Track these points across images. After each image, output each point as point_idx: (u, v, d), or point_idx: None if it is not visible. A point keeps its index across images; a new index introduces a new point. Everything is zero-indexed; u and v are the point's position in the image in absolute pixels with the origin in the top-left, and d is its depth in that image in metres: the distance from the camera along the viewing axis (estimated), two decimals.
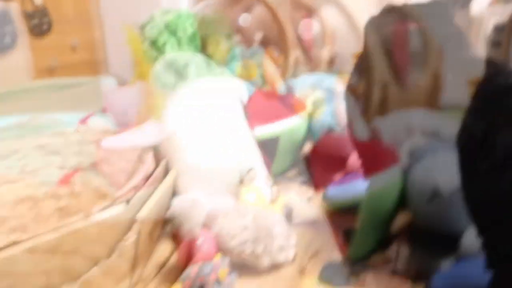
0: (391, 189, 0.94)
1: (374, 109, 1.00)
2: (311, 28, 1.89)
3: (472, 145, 0.66)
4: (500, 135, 0.61)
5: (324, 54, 1.83)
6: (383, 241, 0.98)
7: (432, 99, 0.96)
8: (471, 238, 0.82)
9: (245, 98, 1.30)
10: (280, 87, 1.63)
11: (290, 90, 1.62)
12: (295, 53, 1.76)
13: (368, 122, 1.02)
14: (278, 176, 1.39)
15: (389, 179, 0.95)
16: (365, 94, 1.02)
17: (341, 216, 1.16)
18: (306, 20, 1.92)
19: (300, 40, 1.84)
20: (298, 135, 1.43)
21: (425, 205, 0.89)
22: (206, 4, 1.85)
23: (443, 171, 0.88)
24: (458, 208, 0.78)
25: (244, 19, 1.80)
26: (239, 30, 1.78)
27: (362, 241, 0.99)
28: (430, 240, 0.91)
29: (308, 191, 1.34)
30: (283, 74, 1.72)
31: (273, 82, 1.63)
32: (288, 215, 1.14)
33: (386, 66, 1.01)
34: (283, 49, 1.74)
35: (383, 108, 1.00)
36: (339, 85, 1.47)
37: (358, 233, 0.99)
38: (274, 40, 1.75)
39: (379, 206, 0.95)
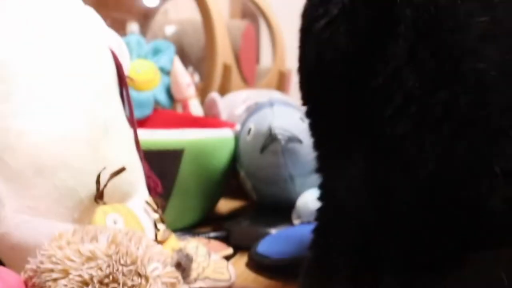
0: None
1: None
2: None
3: (311, 3, 0.61)
4: None
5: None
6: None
7: None
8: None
9: (125, 62, 0.77)
10: (195, 106, 1.14)
11: (213, 109, 1.14)
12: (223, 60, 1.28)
13: None
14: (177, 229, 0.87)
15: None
16: None
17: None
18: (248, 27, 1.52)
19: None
20: (219, 155, 0.92)
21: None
22: None
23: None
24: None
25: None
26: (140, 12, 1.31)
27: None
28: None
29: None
30: (206, 88, 1.24)
31: (184, 99, 1.14)
32: (183, 267, 0.59)
33: None
34: (209, 55, 1.26)
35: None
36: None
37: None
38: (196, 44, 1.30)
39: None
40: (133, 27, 1.38)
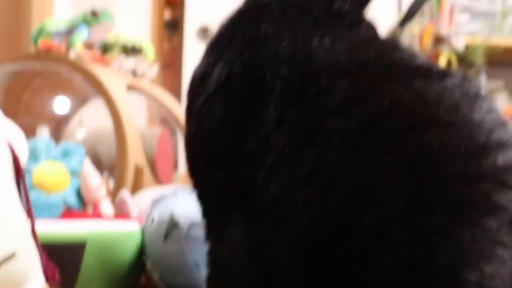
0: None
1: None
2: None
3: (193, 84, 0.67)
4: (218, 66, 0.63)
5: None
6: None
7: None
8: None
9: (23, 154, 0.77)
10: (106, 206, 1.13)
11: (123, 208, 1.13)
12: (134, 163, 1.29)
13: None
14: None
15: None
16: None
17: None
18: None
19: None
20: (124, 249, 0.90)
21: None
22: None
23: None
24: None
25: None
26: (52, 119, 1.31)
27: None
28: None
29: None
30: (117, 190, 1.23)
31: (95, 200, 1.13)
32: None
33: None
34: (120, 158, 1.27)
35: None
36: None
37: None
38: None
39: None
40: (42, 130, 1.38)
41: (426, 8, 2.11)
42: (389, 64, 0.56)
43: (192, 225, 0.85)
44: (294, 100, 0.56)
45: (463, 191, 0.46)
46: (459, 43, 1.93)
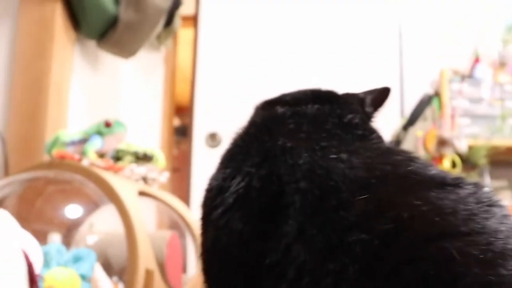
0: None
1: None
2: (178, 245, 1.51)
3: (210, 195, 0.68)
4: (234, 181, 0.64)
5: None
6: None
7: None
8: None
9: (37, 261, 0.79)
10: None
11: None
12: (145, 266, 1.30)
13: None
14: None
15: None
16: None
17: None
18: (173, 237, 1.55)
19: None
20: None
21: None
22: None
23: None
24: None
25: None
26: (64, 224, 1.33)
27: None
28: None
29: None
30: None
31: None
32: None
33: None
34: (131, 261, 1.28)
35: None
36: None
37: None
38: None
39: None
40: (54, 237, 1.40)
41: (428, 112, 2.18)
42: (405, 176, 0.57)
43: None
44: (314, 213, 0.57)
45: None
46: (462, 145, 1.97)
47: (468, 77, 2.14)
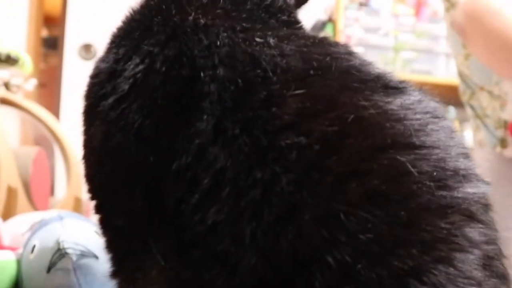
0: None
1: None
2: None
3: (96, 81, 0.55)
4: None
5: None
6: None
7: None
8: None
9: None
10: None
11: None
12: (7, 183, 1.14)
13: None
14: None
15: None
16: None
17: None
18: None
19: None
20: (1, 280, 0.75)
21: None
22: None
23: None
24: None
25: None
26: None
27: None
28: None
29: None
30: None
31: None
32: None
33: None
34: None
35: None
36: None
37: None
38: None
39: None
40: None
41: None
42: (347, 71, 0.48)
43: (82, 254, 0.71)
44: (237, 108, 0.46)
45: (436, 225, 0.41)
46: None
47: (365, 5, 2.10)
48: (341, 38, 2.01)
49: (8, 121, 1.51)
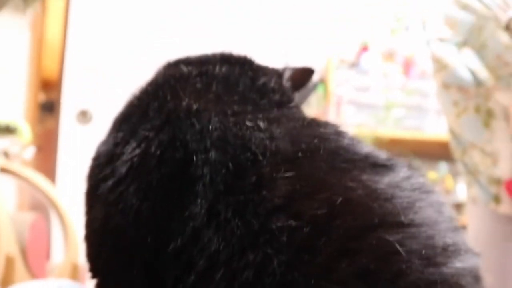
0: None
1: None
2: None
3: (97, 164, 0.56)
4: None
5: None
6: None
7: None
8: None
9: None
10: None
11: None
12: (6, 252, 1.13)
13: None
14: None
15: None
16: None
17: None
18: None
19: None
20: None
21: None
22: None
23: None
24: None
25: None
26: None
27: None
28: None
29: None
30: None
31: None
32: None
33: None
34: None
35: None
36: None
37: None
38: None
39: None
40: None
41: (313, 99, 2.15)
42: (335, 152, 0.49)
43: None
44: (228, 192, 0.47)
45: None
46: None
47: (355, 65, 2.13)
48: (332, 98, 2.05)
49: (6, 188, 1.52)
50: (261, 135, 0.49)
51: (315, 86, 2.18)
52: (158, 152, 0.51)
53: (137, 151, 0.52)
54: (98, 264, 0.56)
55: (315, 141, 0.49)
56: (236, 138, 0.49)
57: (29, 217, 1.50)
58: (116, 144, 0.55)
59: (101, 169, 0.55)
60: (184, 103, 0.54)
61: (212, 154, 0.48)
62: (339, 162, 0.47)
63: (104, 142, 0.57)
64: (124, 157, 0.52)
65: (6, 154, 1.47)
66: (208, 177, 0.48)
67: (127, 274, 0.51)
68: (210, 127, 0.50)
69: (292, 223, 0.43)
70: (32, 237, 1.43)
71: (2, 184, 1.36)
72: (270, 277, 0.42)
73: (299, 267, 0.42)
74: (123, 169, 0.52)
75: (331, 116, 2.01)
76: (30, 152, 1.54)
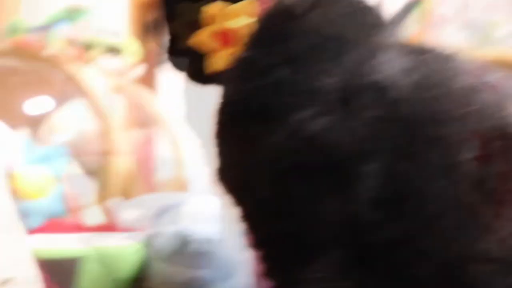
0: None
1: None
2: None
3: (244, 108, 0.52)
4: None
5: None
6: None
7: None
8: None
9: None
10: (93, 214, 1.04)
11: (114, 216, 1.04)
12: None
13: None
14: None
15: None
16: None
17: None
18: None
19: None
20: (124, 265, 0.80)
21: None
22: None
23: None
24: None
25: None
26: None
27: None
28: None
29: None
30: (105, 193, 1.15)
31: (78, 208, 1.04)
32: None
33: None
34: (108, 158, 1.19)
35: None
36: None
37: None
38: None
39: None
40: (21, 132, 1.29)
41: (411, 19, 2.05)
42: None
43: (206, 241, 0.74)
44: None
45: None
46: None
47: None
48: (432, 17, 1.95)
49: (118, 106, 1.59)
50: None
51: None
52: None
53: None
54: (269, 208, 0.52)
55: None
56: None
57: (139, 134, 1.57)
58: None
59: (299, 100, 0.50)
60: None
61: None
62: None
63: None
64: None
65: (118, 73, 1.53)
66: None
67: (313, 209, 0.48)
68: None
69: None
70: (143, 154, 1.50)
71: (115, 103, 1.42)
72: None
73: None
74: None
75: (431, 35, 1.92)
76: (139, 70, 1.59)
